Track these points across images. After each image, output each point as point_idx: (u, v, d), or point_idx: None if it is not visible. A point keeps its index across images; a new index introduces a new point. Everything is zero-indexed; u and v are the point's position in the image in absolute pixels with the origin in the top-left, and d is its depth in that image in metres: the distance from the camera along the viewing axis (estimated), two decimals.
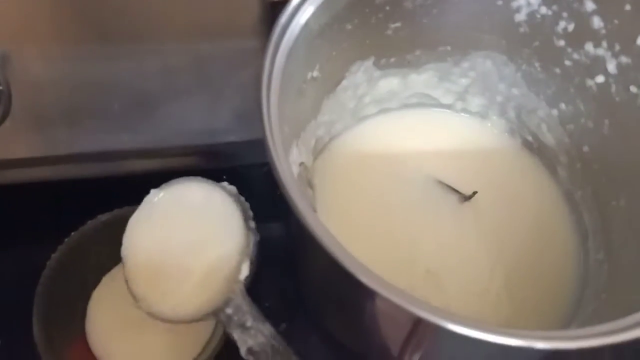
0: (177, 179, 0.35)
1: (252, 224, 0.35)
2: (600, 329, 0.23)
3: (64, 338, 0.37)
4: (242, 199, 0.36)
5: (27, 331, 0.35)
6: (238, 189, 0.45)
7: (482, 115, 0.44)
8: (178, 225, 0.34)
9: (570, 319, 0.35)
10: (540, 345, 0.22)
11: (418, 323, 0.25)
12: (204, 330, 0.38)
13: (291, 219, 0.32)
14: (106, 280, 0.39)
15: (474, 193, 0.40)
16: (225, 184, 0.36)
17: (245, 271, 0.33)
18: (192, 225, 0.34)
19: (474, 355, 0.31)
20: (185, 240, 0.34)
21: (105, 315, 0.39)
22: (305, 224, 0.24)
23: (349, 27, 0.34)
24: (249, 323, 0.32)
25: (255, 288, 0.39)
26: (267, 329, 0.32)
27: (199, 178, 0.35)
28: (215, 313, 0.32)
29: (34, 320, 0.35)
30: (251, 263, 0.33)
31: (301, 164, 0.37)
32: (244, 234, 0.34)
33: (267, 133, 0.27)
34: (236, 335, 0.32)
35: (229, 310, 0.32)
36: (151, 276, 0.33)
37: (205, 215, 0.34)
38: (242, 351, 0.31)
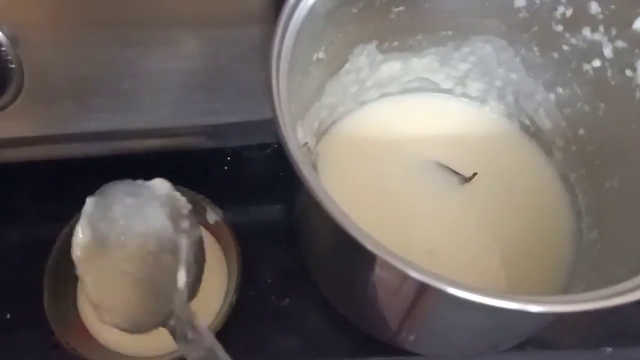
0: (108, 184, 0.33)
1: (186, 223, 0.32)
2: (589, 296, 0.24)
3: (70, 310, 0.38)
4: (177, 195, 0.33)
5: (35, 304, 0.36)
6: (240, 171, 0.46)
7: (481, 99, 0.45)
8: (114, 236, 0.32)
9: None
10: (534, 308, 0.23)
11: (421, 290, 0.26)
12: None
13: (300, 194, 0.33)
14: None
15: (474, 174, 0.41)
16: (158, 181, 0.33)
17: (182, 279, 0.31)
18: (126, 234, 0.32)
19: (469, 327, 0.32)
20: (123, 250, 0.32)
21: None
22: (316, 197, 0.25)
23: (354, 10, 0.35)
24: (190, 335, 0.30)
25: (257, 265, 0.41)
26: (207, 341, 0.29)
27: (128, 181, 0.33)
28: (165, 325, 0.31)
29: (44, 293, 0.36)
30: (188, 268, 0.31)
31: (305, 144, 0.38)
32: (171, 240, 0.31)
33: (277, 110, 0.27)
34: (182, 348, 0.30)
35: (172, 322, 0.30)
36: (102, 287, 0.32)
37: (135, 223, 0.32)
38: None
